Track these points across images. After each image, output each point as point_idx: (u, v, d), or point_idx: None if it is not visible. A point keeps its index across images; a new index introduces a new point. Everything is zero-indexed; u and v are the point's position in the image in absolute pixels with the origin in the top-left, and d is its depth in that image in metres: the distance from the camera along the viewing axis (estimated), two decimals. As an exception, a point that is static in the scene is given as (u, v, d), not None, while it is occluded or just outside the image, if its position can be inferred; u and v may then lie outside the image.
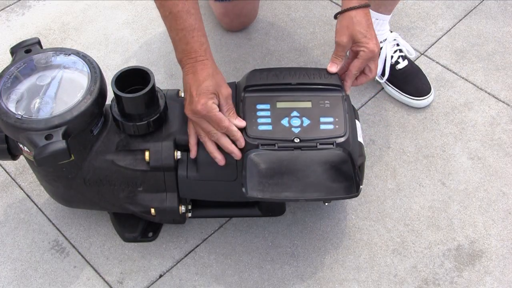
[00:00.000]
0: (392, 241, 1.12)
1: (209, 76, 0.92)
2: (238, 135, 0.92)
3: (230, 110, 0.93)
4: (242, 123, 0.93)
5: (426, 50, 1.46)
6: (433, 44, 1.48)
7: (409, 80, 1.33)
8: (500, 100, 1.35)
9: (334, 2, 1.58)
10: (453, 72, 1.41)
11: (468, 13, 1.55)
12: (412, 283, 1.06)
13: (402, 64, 1.33)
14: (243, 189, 0.91)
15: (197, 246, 1.11)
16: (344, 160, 0.92)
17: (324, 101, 0.96)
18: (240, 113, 0.95)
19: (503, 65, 1.43)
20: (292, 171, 0.92)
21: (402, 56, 1.34)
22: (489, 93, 1.37)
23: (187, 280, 1.07)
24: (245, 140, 0.92)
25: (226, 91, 0.93)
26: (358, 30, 0.96)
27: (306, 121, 0.94)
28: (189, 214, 1.10)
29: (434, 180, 1.21)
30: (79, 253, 1.10)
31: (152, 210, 1.02)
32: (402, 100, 1.34)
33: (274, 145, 0.92)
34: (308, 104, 0.95)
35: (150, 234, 1.12)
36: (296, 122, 0.94)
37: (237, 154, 0.94)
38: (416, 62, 1.40)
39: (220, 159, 0.95)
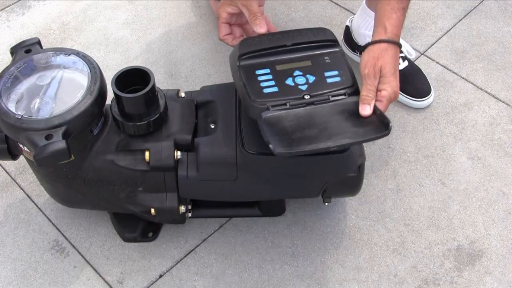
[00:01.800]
0: (392, 241, 1.12)
1: None
2: (234, 44, 1.01)
3: (251, 15, 0.97)
4: (262, 29, 0.97)
5: (426, 50, 1.46)
6: (433, 44, 1.48)
7: (409, 81, 1.33)
8: (500, 100, 1.35)
9: (334, 2, 1.58)
10: (453, 72, 1.41)
11: (468, 13, 1.55)
12: (412, 283, 1.06)
13: (402, 65, 1.33)
14: (271, 147, 0.83)
15: (197, 246, 1.12)
16: None
17: (323, 57, 0.94)
18: (240, 81, 0.91)
19: (503, 65, 1.43)
20: (312, 125, 0.86)
21: (402, 57, 1.34)
22: (489, 93, 1.37)
23: (187, 280, 1.07)
24: (253, 105, 0.88)
25: None
26: (390, 62, 0.90)
27: (311, 78, 0.91)
28: (189, 214, 1.10)
29: (434, 180, 1.21)
30: (79, 253, 1.10)
31: (152, 210, 1.02)
32: (402, 101, 1.34)
33: (285, 104, 0.88)
34: (308, 63, 0.93)
35: (150, 234, 1.12)
36: (301, 80, 0.91)
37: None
38: (416, 62, 1.40)
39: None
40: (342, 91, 0.91)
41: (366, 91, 0.89)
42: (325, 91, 0.90)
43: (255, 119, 0.89)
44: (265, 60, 0.93)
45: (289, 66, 0.93)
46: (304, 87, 0.91)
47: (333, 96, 0.90)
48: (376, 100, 0.89)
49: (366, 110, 0.88)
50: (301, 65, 0.93)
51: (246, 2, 0.98)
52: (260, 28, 0.97)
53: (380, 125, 0.86)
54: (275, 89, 0.90)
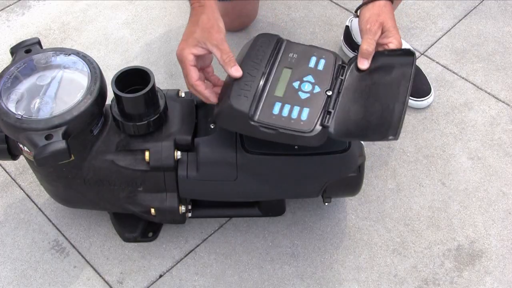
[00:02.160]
0: (392, 241, 1.12)
1: (198, 22, 0.87)
2: (205, 96, 0.90)
3: (225, 56, 0.87)
4: (238, 73, 0.88)
5: (426, 50, 1.46)
6: (433, 44, 1.48)
7: (409, 80, 1.33)
8: (500, 100, 1.35)
9: (334, 2, 1.58)
10: (453, 72, 1.41)
11: (468, 13, 1.55)
12: (412, 283, 1.06)
13: (402, 64, 1.33)
14: (391, 138, 0.80)
15: (197, 246, 1.12)
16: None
17: (290, 57, 0.93)
18: (273, 131, 0.86)
19: (503, 65, 1.43)
20: (367, 104, 0.87)
21: (402, 56, 1.33)
22: (489, 93, 1.37)
23: (187, 280, 1.07)
24: (312, 135, 0.85)
25: (217, 36, 0.87)
26: (390, 18, 0.94)
27: (310, 78, 0.91)
28: (189, 214, 1.10)
29: (434, 180, 1.21)
30: (79, 253, 1.10)
31: (152, 210, 1.02)
32: (402, 100, 1.33)
33: (328, 112, 0.87)
34: (289, 71, 0.92)
35: (150, 234, 1.12)
36: (307, 86, 0.90)
37: (212, 100, 0.91)
38: (416, 62, 1.40)
39: (210, 98, 0.91)
40: (338, 65, 0.93)
41: (367, 45, 0.92)
42: (332, 76, 0.91)
43: (324, 143, 0.87)
44: (265, 99, 0.88)
45: (284, 85, 0.90)
46: (317, 89, 0.90)
47: (341, 75, 0.92)
48: None
49: (364, 64, 0.92)
50: (289, 76, 0.91)
51: (217, 41, 0.89)
52: (236, 72, 0.88)
53: (402, 56, 0.91)
54: (306, 109, 0.87)
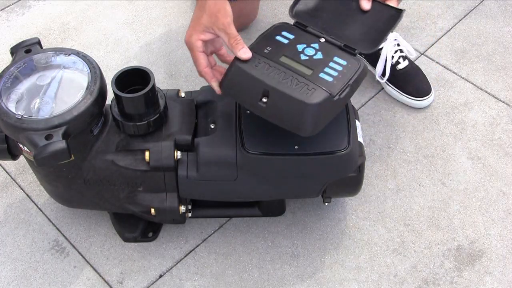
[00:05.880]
0: (392, 241, 1.12)
1: (205, 6, 0.85)
2: (211, 85, 0.90)
3: (232, 39, 0.86)
4: (246, 54, 0.86)
5: (426, 50, 1.46)
6: (433, 44, 1.48)
7: (410, 80, 1.33)
8: (500, 100, 1.35)
9: (334, 2, 1.58)
10: (453, 72, 1.41)
11: (468, 13, 1.55)
12: (412, 283, 1.06)
13: (403, 64, 1.33)
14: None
15: (197, 246, 1.12)
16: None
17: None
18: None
19: (503, 65, 1.43)
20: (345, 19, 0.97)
21: (402, 56, 1.34)
22: (489, 93, 1.37)
23: (187, 280, 1.07)
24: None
25: (224, 20, 0.85)
26: None
27: (311, 50, 0.92)
28: (189, 214, 1.10)
29: (434, 180, 1.21)
30: (79, 253, 1.10)
31: (152, 210, 1.02)
32: (402, 101, 1.34)
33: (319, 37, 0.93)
34: (308, 70, 0.90)
35: (150, 234, 1.12)
36: (310, 51, 0.91)
37: (216, 90, 0.90)
38: (416, 62, 1.40)
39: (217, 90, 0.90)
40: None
41: None
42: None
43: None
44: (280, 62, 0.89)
45: (294, 63, 0.90)
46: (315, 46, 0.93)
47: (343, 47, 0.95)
48: None
49: (366, 5, 0.93)
50: (303, 70, 0.91)
51: (223, 26, 0.87)
52: (245, 54, 0.87)
53: (392, 9, 0.96)
54: (318, 55, 0.90)
